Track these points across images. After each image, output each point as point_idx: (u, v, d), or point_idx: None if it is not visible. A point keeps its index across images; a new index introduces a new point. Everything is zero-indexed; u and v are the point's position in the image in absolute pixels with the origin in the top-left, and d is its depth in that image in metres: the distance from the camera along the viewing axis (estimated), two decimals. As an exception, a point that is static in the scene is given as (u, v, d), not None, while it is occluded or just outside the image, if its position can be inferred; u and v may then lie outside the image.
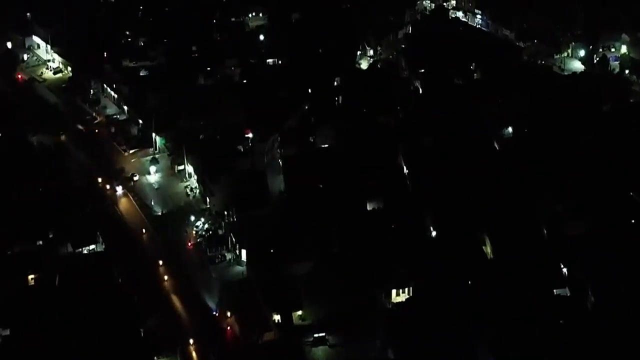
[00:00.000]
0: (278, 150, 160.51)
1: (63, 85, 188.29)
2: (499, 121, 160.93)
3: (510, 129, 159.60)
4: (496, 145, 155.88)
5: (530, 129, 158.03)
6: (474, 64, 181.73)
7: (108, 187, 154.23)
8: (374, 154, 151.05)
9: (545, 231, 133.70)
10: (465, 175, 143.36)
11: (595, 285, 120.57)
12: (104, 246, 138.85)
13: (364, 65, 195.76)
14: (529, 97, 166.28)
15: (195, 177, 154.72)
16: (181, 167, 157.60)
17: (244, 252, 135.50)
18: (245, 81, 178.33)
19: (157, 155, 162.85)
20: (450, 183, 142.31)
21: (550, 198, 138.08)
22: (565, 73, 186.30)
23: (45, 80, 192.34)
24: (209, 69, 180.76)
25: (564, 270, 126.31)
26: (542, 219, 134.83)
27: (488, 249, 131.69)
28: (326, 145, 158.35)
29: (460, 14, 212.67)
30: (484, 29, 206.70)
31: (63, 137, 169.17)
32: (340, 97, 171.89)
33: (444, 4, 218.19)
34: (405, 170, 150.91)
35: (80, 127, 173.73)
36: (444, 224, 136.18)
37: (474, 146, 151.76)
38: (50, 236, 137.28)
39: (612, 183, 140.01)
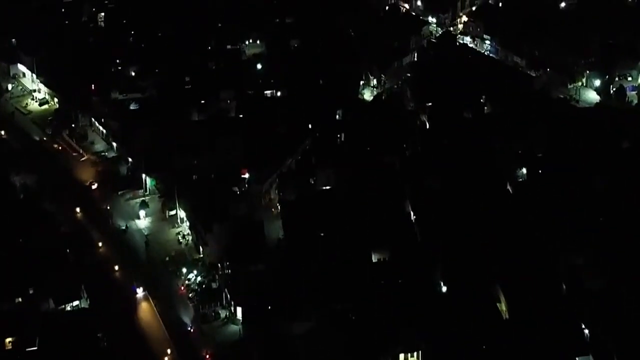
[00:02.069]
0: (276, 191, 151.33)
1: (49, 118, 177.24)
2: (512, 161, 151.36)
3: (524, 170, 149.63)
4: (509, 189, 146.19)
5: (545, 170, 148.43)
6: (484, 97, 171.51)
7: (117, 272, 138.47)
8: (379, 198, 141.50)
9: (564, 286, 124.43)
10: (477, 222, 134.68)
11: (621, 350, 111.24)
12: (88, 302, 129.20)
13: (367, 95, 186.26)
14: (543, 133, 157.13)
15: (188, 223, 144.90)
16: (173, 212, 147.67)
17: (239, 309, 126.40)
18: (241, 116, 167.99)
19: (147, 198, 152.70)
20: (461, 231, 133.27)
21: (568, 249, 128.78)
22: (580, 105, 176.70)
23: (30, 112, 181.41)
24: (203, 101, 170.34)
25: (586, 331, 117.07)
26: (560, 273, 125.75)
27: (503, 307, 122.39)
28: (328, 187, 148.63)
29: (468, 40, 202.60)
30: (493, 55, 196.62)
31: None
32: (343, 134, 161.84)
33: (451, 28, 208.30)
34: (413, 217, 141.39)
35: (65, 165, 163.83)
36: (455, 278, 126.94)
37: (486, 190, 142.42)
38: (31, 292, 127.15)
39: (636, 231, 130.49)
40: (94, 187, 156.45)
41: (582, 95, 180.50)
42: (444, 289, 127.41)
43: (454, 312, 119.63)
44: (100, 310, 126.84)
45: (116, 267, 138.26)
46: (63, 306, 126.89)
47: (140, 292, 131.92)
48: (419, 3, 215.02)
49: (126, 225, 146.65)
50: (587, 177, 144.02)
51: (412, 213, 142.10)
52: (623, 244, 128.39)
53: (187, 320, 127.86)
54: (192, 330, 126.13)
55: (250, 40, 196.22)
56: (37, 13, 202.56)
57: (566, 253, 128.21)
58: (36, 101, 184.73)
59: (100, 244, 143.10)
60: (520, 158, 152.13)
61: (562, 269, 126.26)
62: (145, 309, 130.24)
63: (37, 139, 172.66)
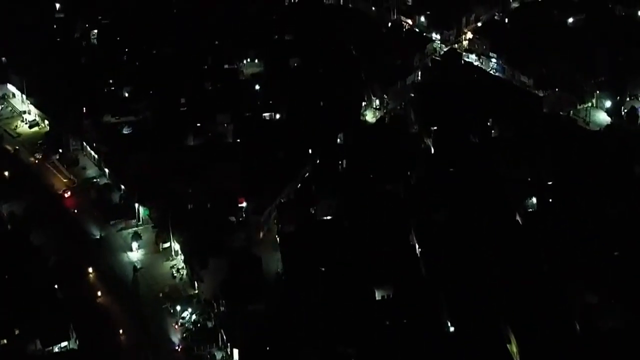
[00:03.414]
0: (275, 221, 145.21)
1: (39, 142, 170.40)
2: (522, 189, 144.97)
3: (534, 199, 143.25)
4: (519, 219, 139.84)
5: (556, 199, 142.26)
6: (490, 119, 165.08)
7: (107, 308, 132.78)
8: (382, 229, 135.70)
9: (578, 326, 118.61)
10: (485, 256, 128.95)
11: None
12: (77, 343, 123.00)
13: (370, 116, 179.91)
14: (553, 159, 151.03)
15: (182, 256, 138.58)
16: (166, 245, 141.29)
17: (235, 351, 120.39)
18: (239, 140, 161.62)
19: (140, 228, 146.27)
20: (468, 266, 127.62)
21: (582, 285, 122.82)
22: (591, 127, 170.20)
23: (19, 135, 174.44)
24: (199, 125, 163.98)
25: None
26: (574, 312, 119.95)
27: (514, 348, 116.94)
28: (328, 218, 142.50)
29: (473, 57, 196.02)
30: (499, 74, 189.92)
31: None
32: (344, 161, 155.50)
33: (455, 45, 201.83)
34: (418, 250, 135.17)
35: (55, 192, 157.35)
36: (462, 317, 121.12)
37: (495, 221, 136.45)
38: (17, 333, 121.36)
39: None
40: (67, 194, 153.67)
41: (592, 117, 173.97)
42: (451, 328, 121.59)
43: (462, 353, 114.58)
44: (90, 351, 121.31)
45: (105, 302, 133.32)
46: (51, 348, 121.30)
47: None
48: (422, 19, 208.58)
49: (100, 235, 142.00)
50: (600, 206, 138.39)
51: (417, 246, 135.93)
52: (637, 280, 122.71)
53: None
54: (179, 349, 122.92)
55: (248, 59, 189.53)
56: (27, 29, 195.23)
57: (579, 290, 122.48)
58: (26, 123, 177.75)
59: (90, 278, 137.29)
60: (529, 186, 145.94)
61: (575, 308, 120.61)
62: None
63: (27, 163, 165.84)
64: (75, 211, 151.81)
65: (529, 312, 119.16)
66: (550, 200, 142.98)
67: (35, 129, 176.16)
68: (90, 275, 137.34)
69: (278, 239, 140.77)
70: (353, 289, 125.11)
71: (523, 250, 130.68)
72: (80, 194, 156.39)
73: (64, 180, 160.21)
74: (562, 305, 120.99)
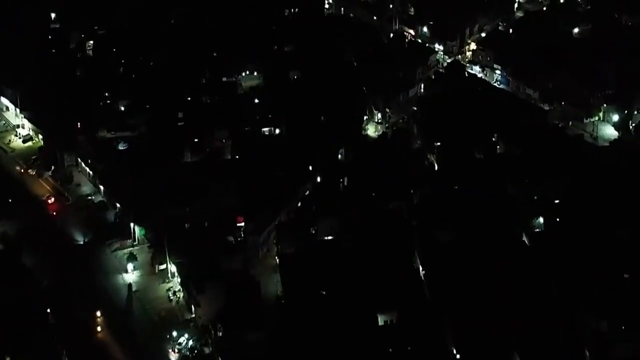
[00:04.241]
0: (274, 242, 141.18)
1: (33, 157, 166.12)
2: (528, 208, 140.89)
3: (541, 219, 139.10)
4: (525, 240, 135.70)
5: (564, 219, 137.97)
6: (496, 134, 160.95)
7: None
8: (385, 250, 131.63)
9: (588, 354, 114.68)
10: (492, 280, 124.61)
11: None
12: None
13: (371, 130, 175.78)
14: (560, 176, 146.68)
15: (179, 278, 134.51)
16: (163, 267, 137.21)
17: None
18: (237, 157, 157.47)
19: (135, 249, 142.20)
20: (475, 290, 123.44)
21: (593, 312, 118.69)
22: (599, 142, 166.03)
23: (13, 150, 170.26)
24: (196, 140, 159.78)
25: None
26: (584, 338, 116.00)
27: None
28: (330, 238, 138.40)
29: (477, 69, 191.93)
30: (503, 87, 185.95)
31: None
32: (346, 178, 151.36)
33: (459, 56, 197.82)
34: (422, 272, 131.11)
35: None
36: (468, 343, 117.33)
37: (501, 242, 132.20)
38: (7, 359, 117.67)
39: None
40: (51, 201, 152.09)
41: (600, 131, 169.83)
42: (457, 355, 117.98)
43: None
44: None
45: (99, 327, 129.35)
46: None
47: None
48: (425, 29, 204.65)
49: (84, 240, 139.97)
50: (610, 227, 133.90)
51: (421, 268, 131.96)
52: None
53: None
54: None
55: (247, 72, 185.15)
56: (21, 40, 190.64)
57: (589, 315, 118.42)
58: (20, 138, 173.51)
59: (83, 301, 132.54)
60: (536, 205, 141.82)
61: (585, 334, 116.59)
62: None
63: (20, 180, 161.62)
64: (69, 230, 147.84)
65: (537, 338, 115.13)
66: (558, 219, 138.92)
67: (29, 143, 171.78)
68: (84, 299, 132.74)
69: (277, 260, 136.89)
70: (355, 313, 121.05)
71: (530, 272, 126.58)
72: (75, 212, 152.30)
73: (59, 198, 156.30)
74: (572, 330, 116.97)
